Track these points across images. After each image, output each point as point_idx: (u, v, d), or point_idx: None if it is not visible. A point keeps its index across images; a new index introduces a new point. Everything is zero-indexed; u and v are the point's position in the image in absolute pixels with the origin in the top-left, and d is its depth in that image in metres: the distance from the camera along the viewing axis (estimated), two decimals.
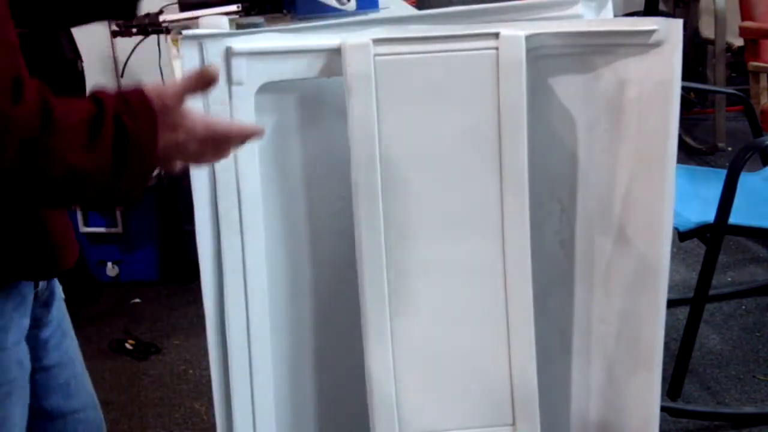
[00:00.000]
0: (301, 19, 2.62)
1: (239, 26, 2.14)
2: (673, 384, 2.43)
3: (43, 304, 1.39)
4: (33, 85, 1.03)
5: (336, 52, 1.59)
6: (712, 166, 3.88)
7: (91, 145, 1.04)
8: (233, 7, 2.74)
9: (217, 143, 1.17)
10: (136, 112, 1.07)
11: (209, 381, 1.71)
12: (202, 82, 1.15)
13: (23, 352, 1.31)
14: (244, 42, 1.57)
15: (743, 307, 3.01)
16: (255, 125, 1.19)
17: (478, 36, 1.59)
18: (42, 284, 1.35)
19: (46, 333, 1.41)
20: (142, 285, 3.39)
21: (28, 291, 1.30)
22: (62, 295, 1.45)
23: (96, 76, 3.76)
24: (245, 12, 2.81)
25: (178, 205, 3.27)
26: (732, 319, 2.94)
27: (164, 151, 1.11)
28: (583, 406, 1.82)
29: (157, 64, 3.26)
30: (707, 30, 4.49)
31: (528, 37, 1.59)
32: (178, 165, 1.19)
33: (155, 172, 1.12)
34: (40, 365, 1.40)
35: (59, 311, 1.44)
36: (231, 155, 1.24)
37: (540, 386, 1.70)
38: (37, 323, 1.38)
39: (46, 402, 1.44)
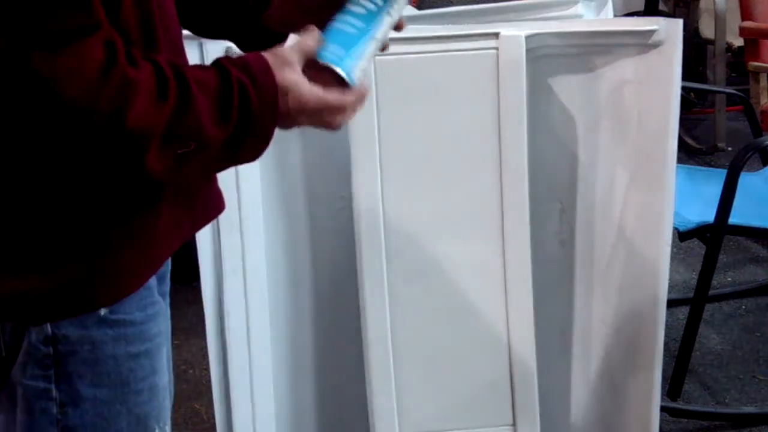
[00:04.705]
0: None
1: None
2: (673, 384, 2.42)
3: (160, 277, 1.45)
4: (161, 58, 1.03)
5: None
6: (712, 166, 3.87)
7: (221, 118, 1.04)
8: None
9: (332, 112, 1.16)
10: (261, 87, 1.06)
11: (209, 381, 1.72)
12: None
13: (166, 308, 1.39)
14: None
15: (743, 307, 3.01)
16: (365, 87, 1.17)
17: (478, 36, 1.59)
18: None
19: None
20: None
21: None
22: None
23: None
24: None
25: None
26: (732, 319, 2.93)
27: (282, 123, 1.12)
28: (583, 406, 1.81)
29: None
30: (707, 30, 4.48)
31: (528, 37, 1.59)
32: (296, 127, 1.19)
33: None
34: None
35: (168, 288, 1.52)
36: None
37: (540, 386, 1.70)
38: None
39: None
